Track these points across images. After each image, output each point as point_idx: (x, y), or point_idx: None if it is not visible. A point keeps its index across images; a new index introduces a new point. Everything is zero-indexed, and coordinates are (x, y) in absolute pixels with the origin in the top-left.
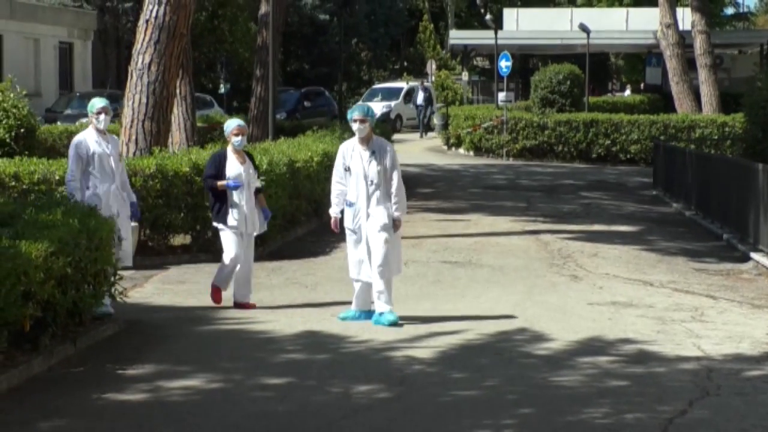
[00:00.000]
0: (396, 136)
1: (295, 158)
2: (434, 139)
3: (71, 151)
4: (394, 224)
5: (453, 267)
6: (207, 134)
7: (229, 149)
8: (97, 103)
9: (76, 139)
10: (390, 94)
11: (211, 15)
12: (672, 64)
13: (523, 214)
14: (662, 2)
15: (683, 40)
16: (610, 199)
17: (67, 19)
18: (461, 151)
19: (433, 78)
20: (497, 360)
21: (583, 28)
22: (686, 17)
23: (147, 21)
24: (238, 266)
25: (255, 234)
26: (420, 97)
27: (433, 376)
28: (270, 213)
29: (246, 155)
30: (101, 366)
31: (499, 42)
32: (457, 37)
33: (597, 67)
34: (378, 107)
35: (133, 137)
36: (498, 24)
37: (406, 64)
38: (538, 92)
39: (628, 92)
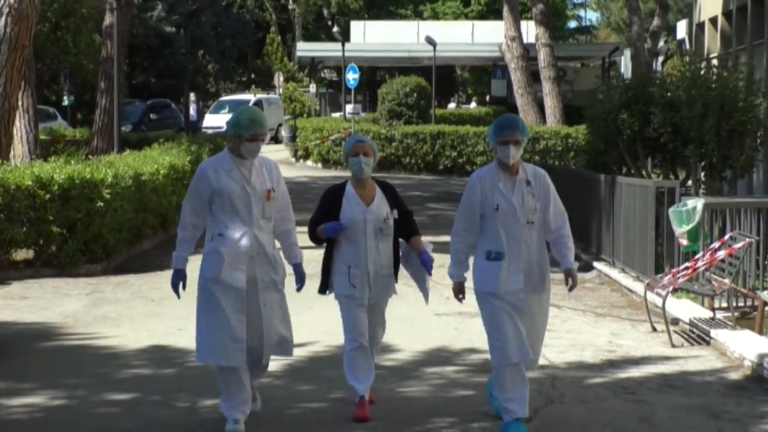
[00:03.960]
0: None
1: (141, 171)
2: (282, 151)
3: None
4: (568, 277)
5: None
6: (50, 147)
7: (350, 181)
8: (251, 126)
9: (201, 166)
10: (237, 107)
11: (54, 26)
12: (516, 77)
13: None
14: (507, 15)
15: (527, 53)
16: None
17: None
18: (309, 163)
19: (281, 90)
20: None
21: (430, 40)
22: (530, 30)
23: None
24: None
25: (386, 298)
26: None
27: (281, 389)
28: (432, 259)
29: (379, 187)
30: None
31: (347, 54)
32: (305, 49)
33: (443, 80)
34: (225, 120)
35: None
36: (345, 36)
37: (253, 76)
38: (386, 104)
39: (474, 104)
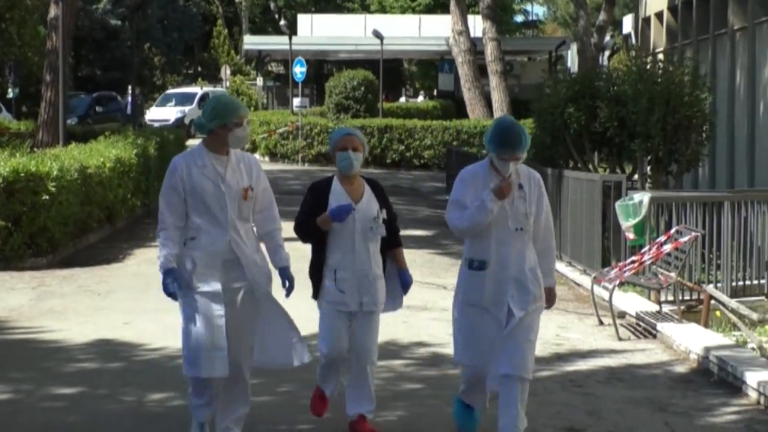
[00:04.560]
0: (190, 142)
1: (86, 164)
2: None
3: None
4: (547, 297)
5: None
6: None
7: (337, 177)
8: (238, 108)
9: (173, 161)
10: (184, 99)
11: None
12: (464, 71)
13: None
14: (454, 9)
15: (475, 47)
16: (404, 203)
17: None
18: (256, 156)
19: (228, 83)
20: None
21: (377, 34)
22: (477, 24)
23: None
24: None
25: (380, 312)
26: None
27: None
28: (411, 279)
29: (367, 185)
30: None
31: (294, 48)
32: (252, 42)
33: (391, 73)
34: (172, 112)
35: None
36: (292, 30)
37: (200, 69)
38: (333, 98)
39: (421, 98)
